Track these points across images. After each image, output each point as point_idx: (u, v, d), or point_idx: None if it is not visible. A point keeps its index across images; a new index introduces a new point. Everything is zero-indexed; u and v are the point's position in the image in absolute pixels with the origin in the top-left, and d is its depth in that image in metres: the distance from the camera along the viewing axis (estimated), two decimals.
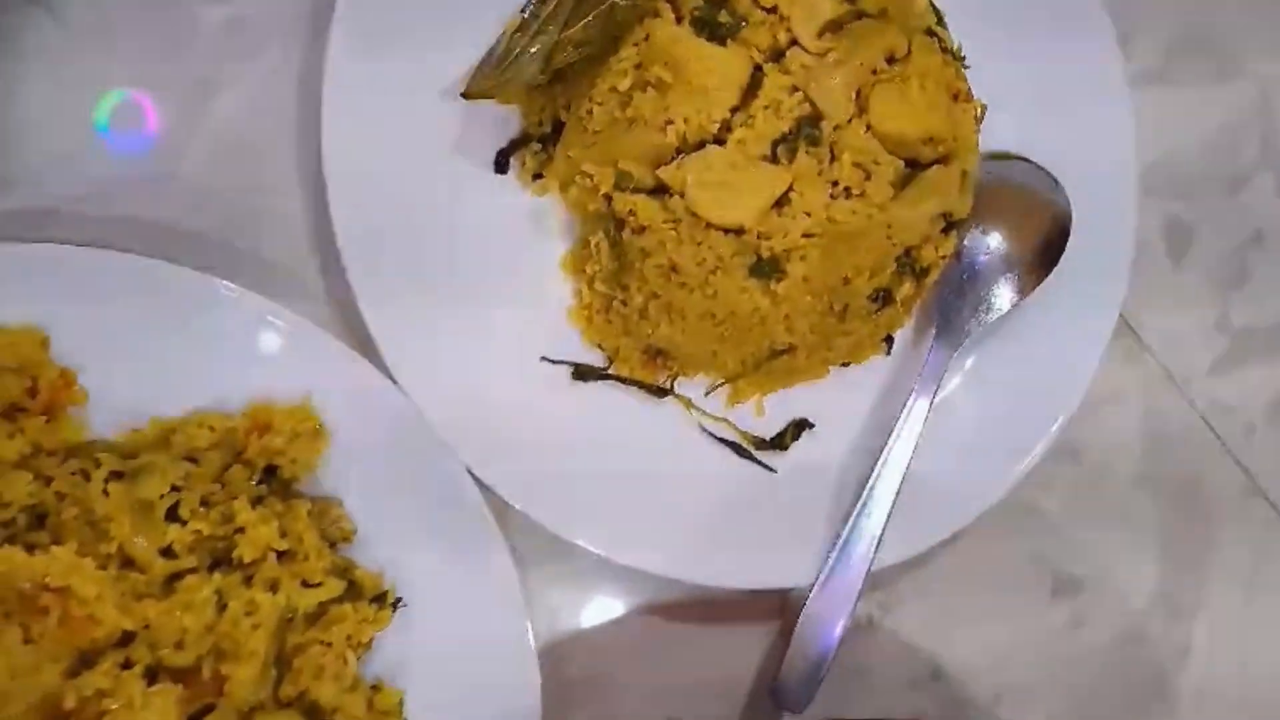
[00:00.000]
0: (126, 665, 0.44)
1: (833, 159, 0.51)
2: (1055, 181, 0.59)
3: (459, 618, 0.52)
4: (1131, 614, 0.64)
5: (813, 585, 0.55)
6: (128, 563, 0.45)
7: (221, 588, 0.45)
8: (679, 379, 0.57)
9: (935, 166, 0.53)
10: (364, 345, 0.51)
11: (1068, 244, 0.59)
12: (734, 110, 0.51)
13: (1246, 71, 0.68)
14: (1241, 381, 0.67)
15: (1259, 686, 0.65)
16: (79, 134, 0.54)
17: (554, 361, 0.55)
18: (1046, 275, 0.59)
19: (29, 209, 0.53)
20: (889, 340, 0.60)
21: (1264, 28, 0.69)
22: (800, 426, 0.58)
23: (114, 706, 0.43)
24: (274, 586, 0.46)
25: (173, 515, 0.46)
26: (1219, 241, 0.67)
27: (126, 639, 0.45)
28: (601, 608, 0.57)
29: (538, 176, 0.55)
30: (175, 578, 0.46)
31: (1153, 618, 0.64)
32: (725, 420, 0.57)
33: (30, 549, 0.43)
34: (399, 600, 0.51)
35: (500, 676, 0.51)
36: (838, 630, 0.55)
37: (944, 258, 0.56)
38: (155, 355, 0.49)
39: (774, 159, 0.51)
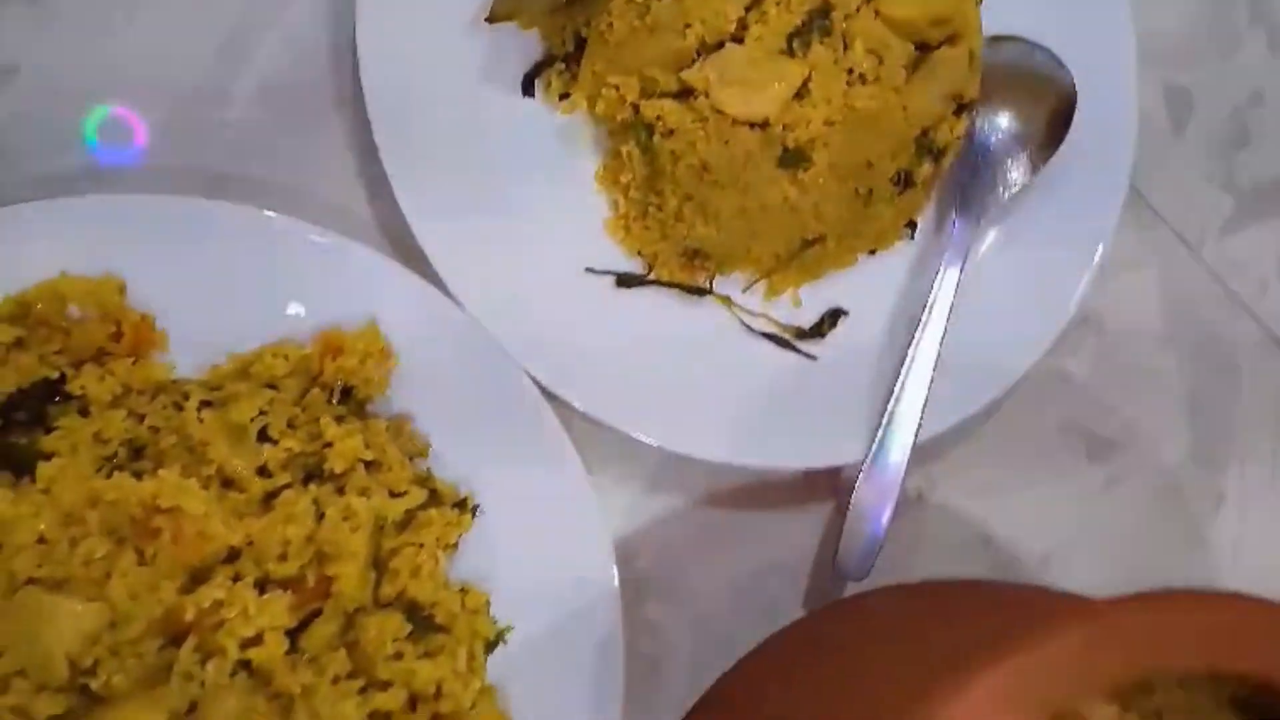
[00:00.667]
0: (235, 580, 0.47)
1: (846, 47, 0.54)
2: (1057, 60, 0.62)
3: (534, 520, 0.54)
4: (1165, 470, 0.66)
5: (863, 462, 0.58)
6: (227, 484, 0.48)
7: (317, 498, 0.48)
8: (717, 278, 0.59)
9: (943, 48, 0.56)
10: (419, 269, 0.54)
11: (1074, 118, 0.62)
12: (747, 9, 0.53)
13: None
14: (1251, 240, 0.69)
15: None
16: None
17: (598, 272, 0.58)
18: (1056, 150, 0.61)
19: (83, 166, 0.56)
20: (912, 226, 0.62)
21: None
22: (836, 315, 0.61)
23: (230, 615, 0.46)
24: (365, 494, 0.49)
25: (263, 437, 0.49)
26: (1218, 105, 0.69)
27: (232, 556, 0.48)
28: (665, 505, 0.60)
29: (564, 96, 0.58)
30: (272, 495, 0.49)
31: (1185, 472, 0.67)
32: (764, 315, 0.60)
33: (137, 476, 0.47)
34: (477, 506, 0.54)
35: (579, 572, 0.54)
36: (890, 503, 0.58)
37: (958, 138, 0.59)
38: (226, 294, 0.52)
39: (790, 52, 0.53)
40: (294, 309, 0.53)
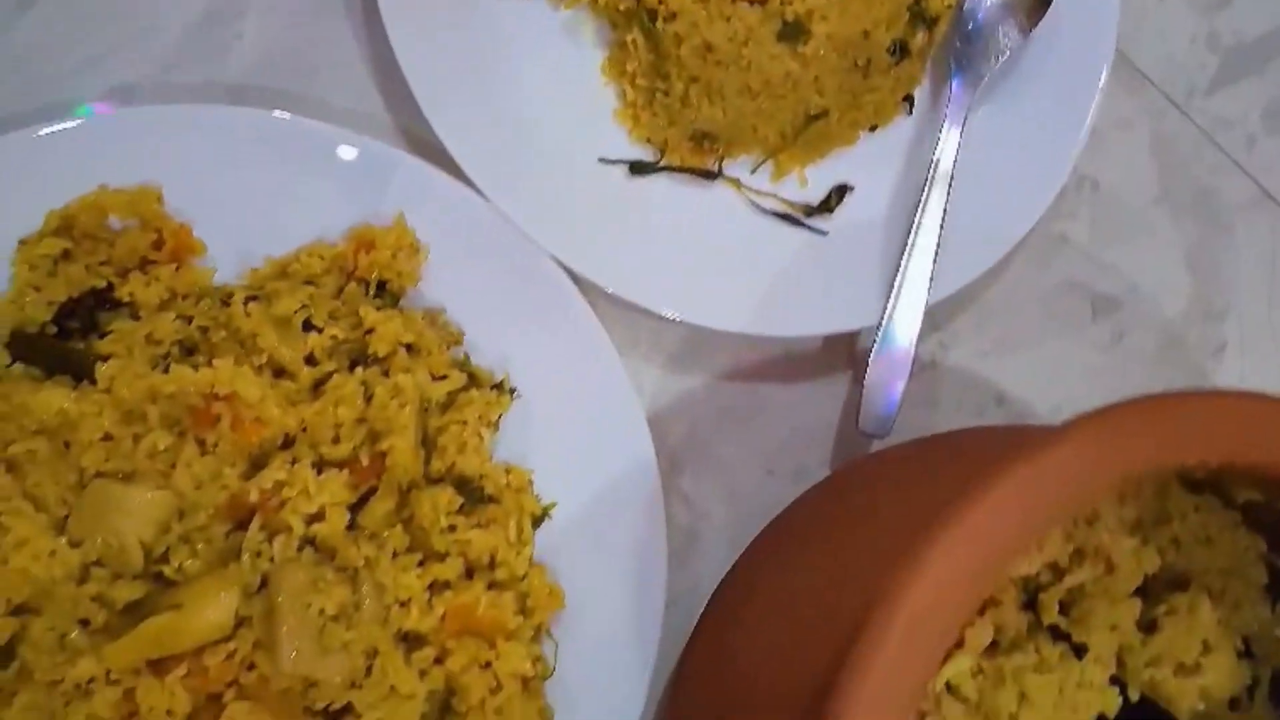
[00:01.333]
0: (293, 464, 0.50)
1: None
2: None
3: (570, 401, 0.57)
4: (1168, 322, 0.69)
5: (878, 326, 0.61)
6: (278, 373, 0.51)
7: (365, 380, 0.51)
8: (726, 161, 0.62)
9: None
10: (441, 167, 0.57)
11: None
12: None
13: None
14: (1237, 96, 0.72)
15: None
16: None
17: (611, 162, 0.60)
18: (1043, 14, 0.63)
19: (112, 84, 0.58)
20: (909, 100, 0.64)
21: None
22: (842, 190, 0.63)
23: (292, 494, 0.49)
24: (409, 373, 0.51)
25: (307, 327, 0.52)
26: None
27: (288, 442, 0.51)
28: (690, 383, 0.63)
29: None
30: (320, 382, 0.51)
31: (1187, 322, 0.69)
32: (773, 195, 0.62)
33: (193, 369, 0.49)
34: (514, 389, 0.56)
35: (617, 448, 0.57)
36: (907, 361, 0.60)
37: (949, 6, 0.61)
38: (258, 200, 0.54)
39: None
40: (325, 210, 0.55)
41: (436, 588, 0.51)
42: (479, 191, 0.56)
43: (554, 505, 0.56)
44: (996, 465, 0.44)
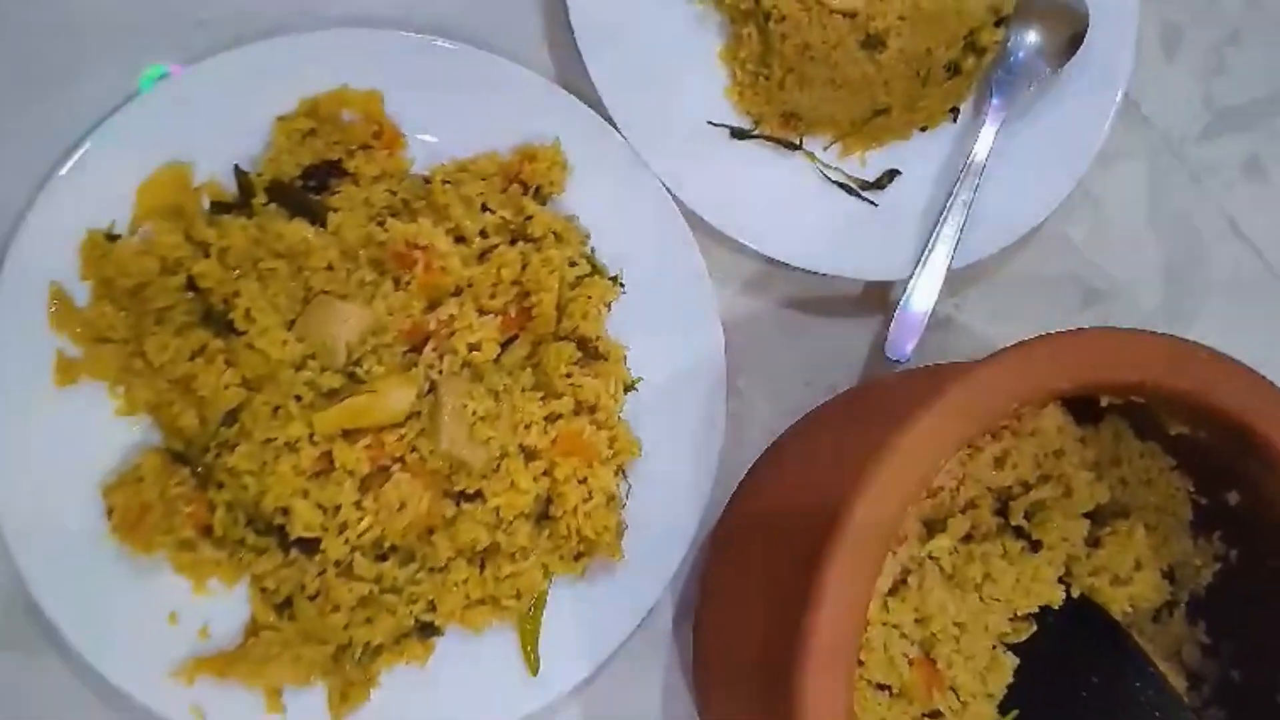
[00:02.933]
0: (461, 307, 0.67)
1: None
2: None
3: (663, 300, 0.72)
4: (1144, 316, 0.84)
5: (908, 280, 0.77)
6: (459, 239, 0.67)
7: (523, 252, 0.67)
8: (805, 137, 0.78)
9: None
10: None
11: (1085, 39, 0.79)
12: None
13: None
14: (1222, 147, 0.87)
15: None
16: None
17: (717, 125, 0.77)
18: (1069, 61, 0.80)
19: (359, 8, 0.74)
20: (954, 112, 0.81)
21: None
22: (892, 174, 0.79)
23: (460, 327, 0.65)
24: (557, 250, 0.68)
25: (484, 209, 0.68)
26: (1203, 39, 0.87)
27: (457, 292, 0.67)
28: (757, 304, 0.79)
29: None
30: (486, 252, 0.68)
31: (1159, 320, 0.85)
32: (838, 169, 0.79)
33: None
34: (623, 284, 0.72)
35: (694, 343, 0.72)
36: (926, 314, 0.76)
37: (996, 42, 0.77)
38: (451, 114, 0.71)
39: None
40: (498, 129, 0.72)
41: (551, 417, 0.67)
42: (618, 130, 0.72)
43: (640, 380, 0.72)
44: (934, 392, 0.59)
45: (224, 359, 0.64)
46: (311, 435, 0.63)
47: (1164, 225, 0.86)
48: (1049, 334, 0.59)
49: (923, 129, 0.80)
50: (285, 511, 0.63)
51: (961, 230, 0.77)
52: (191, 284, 0.65)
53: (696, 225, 0.74)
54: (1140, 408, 0.65)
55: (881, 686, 0.66)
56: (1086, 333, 0.60)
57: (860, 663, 0.65)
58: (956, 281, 0.80)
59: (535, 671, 0.68)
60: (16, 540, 0.63)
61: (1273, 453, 0.61)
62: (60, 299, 0.65)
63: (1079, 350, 0.59)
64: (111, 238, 0.66)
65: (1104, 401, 0.66)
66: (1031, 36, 0.80)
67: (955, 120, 0.81)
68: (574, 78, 0.74)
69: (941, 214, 0.77)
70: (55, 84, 0.71)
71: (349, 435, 0.63)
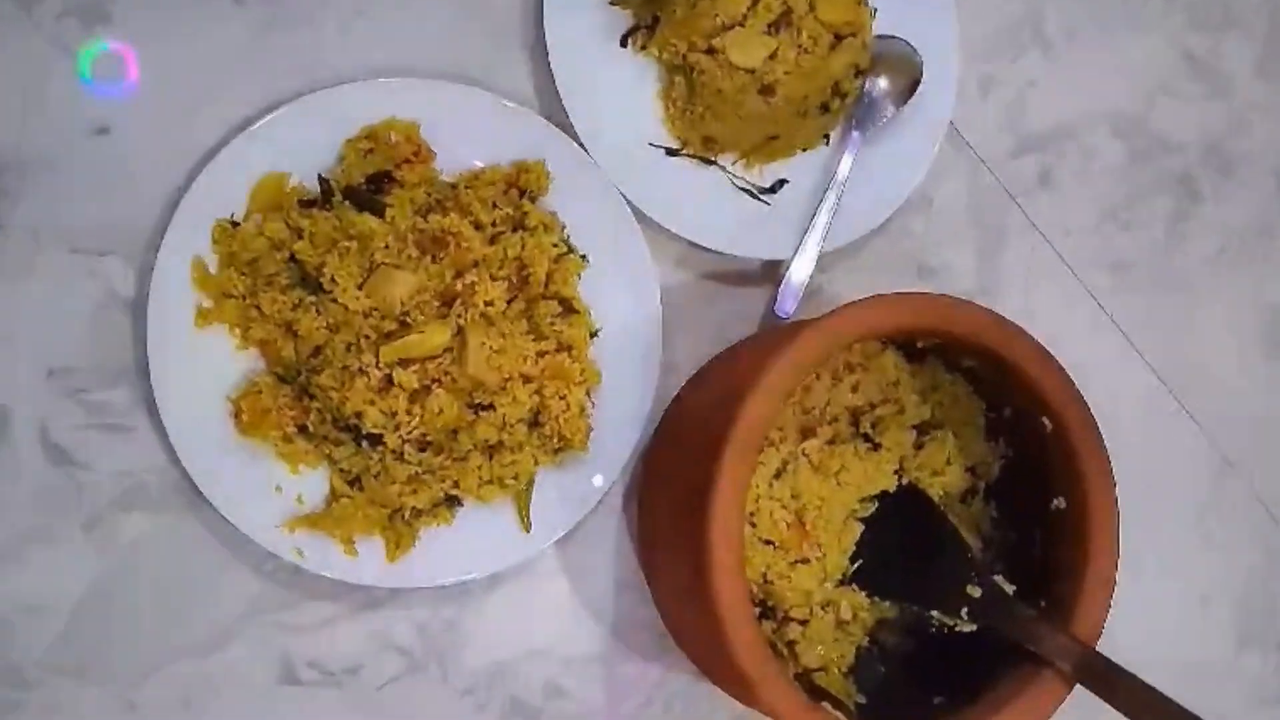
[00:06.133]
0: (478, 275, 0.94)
1: (799, 32, 1.01)
2: (913, 49, 1.00)
3: (615, 270, 0.97)
4: (964, 292, 1.13)
5: (792, 256, 1.06)
6: (477, 226, 0.94)
7: (521, 237, 0.95)
8: (720, 155, 1.05)
9: (849, 37, 1.01)
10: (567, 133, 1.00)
11: (920, 84, 1.02)
12: (748, 9, 1.00)
13: None
14: (1024, 164, 1.11)
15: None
16: None
17: (655, 146, 1.05)
18: (910, 99, 1.07)
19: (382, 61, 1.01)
20: (826, 137, 1.09)
21: None
22: (781, 182, 1.04)
23: (478, 289, 0.91)
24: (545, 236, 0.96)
25: (494, 206, 0.96)
26: (1008, 86, 1.14)
27: (475, 264, 0.94)
28: (683, 276, 1.04)
29: (644, 48, 1.04)
30: (494, 237, 0.96)
31: (974, 294, 1.13)
32: (743, 178, 1.06)
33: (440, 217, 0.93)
34: (587, 258, 1.00)
35: (637, 301, 0.98)
36: (805, 277, 1.03)
37: (856, 88, 1.05)
38: (467, 137, 0.97)
39: (769, 33, 0.98)
40: (499, 147, 0.98)
41: (541, 354, 0.94)
42: (585, 149, 1.00)
43: (600, 329, 1.00)
44: (798, 333, 0.86)
45: (314, 310, 0.88)
46: (377, 363, 0.86)
47: (979, 220, 1.09)
48: (873, 295, 0.88)
49: (803, 150, 1.02)
50: (358, 415, 0.86)
51: (831, 223, 1.06)
52: (292, 257, 0.88)
53: (641, 219, 0.95)
54: (948, 349, 0.92)
55: (766, 541, 0.87)
56: (891, 295, 0.89)
57: (752, 525, 0.86)
58: (826, 260, 1.01)
59: (528, 530, 0.96)
60: (175, 434, 0.90)
61: (1026, 377, 0.85)
62: (200, 268, 0.92)
63: (892, 305, 0.89)
64: (234, 225, 0.93)
65: (919, 344, 0.95)
66: (882, 83, 1.05)
67: (827, 144, 1.06)
68: (554, 110, 1.01)
69: (816, 211, 1.07)
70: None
71: (403, 363, 0.86)
